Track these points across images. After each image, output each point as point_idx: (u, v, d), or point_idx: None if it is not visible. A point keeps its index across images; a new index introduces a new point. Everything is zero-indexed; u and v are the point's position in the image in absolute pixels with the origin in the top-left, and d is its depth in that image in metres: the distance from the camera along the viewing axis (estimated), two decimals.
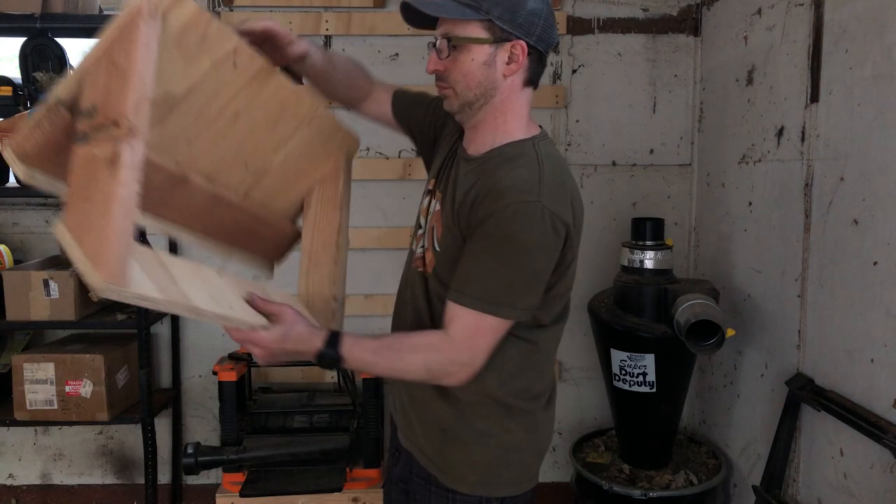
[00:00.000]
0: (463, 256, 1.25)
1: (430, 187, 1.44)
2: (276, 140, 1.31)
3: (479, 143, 1.34)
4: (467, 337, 1.23)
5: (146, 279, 1.00)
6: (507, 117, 1.31)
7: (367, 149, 2.79)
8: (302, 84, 1.41)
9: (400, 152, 2.78)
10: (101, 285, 0.91)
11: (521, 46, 1.25)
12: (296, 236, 1.49)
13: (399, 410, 1.47)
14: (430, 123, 1.53)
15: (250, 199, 1.35)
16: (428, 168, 1.55)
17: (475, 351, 1.23)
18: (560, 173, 1.28)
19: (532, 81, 1.31)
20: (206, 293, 1.12)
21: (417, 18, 1.31)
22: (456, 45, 1.25)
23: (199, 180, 1.22)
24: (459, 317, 1.23)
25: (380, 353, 1.26)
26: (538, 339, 1.34)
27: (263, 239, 1.47)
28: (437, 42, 1.28)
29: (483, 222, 1.21)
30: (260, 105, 1.23)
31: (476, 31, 1.24)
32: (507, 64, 1.26)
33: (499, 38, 1.24)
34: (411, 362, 1.25)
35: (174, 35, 1.06)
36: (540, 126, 1.37)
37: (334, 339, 1.23)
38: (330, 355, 1.23)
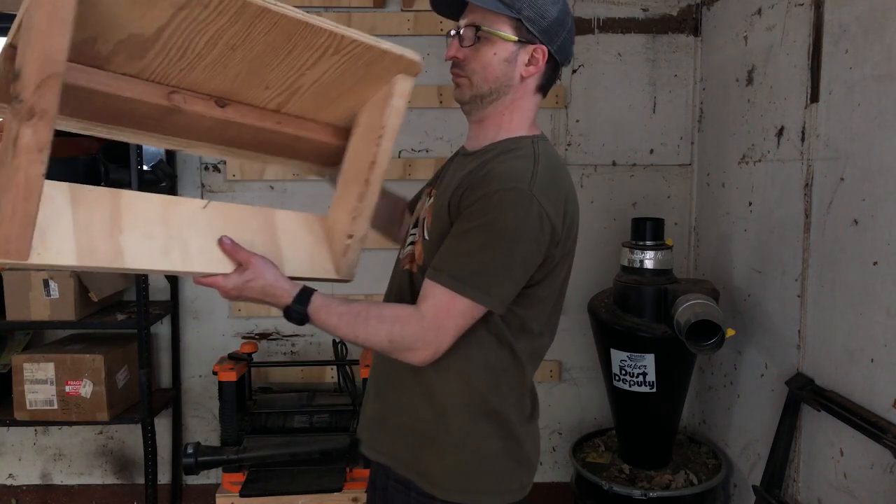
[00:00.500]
0: (447, 237, 1.24)
1: (428, 192, 1.44)
2: (295, 65, 1.27)
3: (481, 138, 1.35)
4: (436, 316, 1.21)
5: (63, 245, 1.04)
6: (513, 117, 1.33)
7: None
8: None
9: (400, 152, 2.78)
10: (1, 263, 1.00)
11: (542, 51, 1.28)
12: (343, 150, 1.44)
13: (367, 426, 1.42)
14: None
15: (286, 113, 1.36)
16: None
17: (441, 331, 1.21)
18: (556, 171, 1.28)
19: (543, 88, 1.34)
20: (157, 244, 1.15)
21: (443, 6, 1.34)
22: (482, 36, 1.27)
23: (198, 105, 1.24)
24: (432, 295, 1.21)
25: (346, 318, 1.24)
26: (522, 349, 1.31)
27: (300, 150, 1.45)
28: (463, 30, 1.29)
29: (471, 205, 1.21)
30: (256, 39, 1.18)
31: (504, 27, 1.26)
32: (527, 65, 1.28)
33: (524, 39, 1.27)
34: (376, 332, 1.23)
35: None
36: (541, 132, 1.38)
37: (304, 296, 1.24)
38: (297, 311, 1.24)
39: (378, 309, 1.27)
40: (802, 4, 2.02)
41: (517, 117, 1.33)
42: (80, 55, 1.08)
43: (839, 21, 1.85)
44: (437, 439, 1.30)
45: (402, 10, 2.74)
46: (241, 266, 1.22)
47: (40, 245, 1.02)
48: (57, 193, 1.08)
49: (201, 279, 1.21)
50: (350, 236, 1.37)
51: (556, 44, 1.28)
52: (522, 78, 1.29)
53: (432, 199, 1.36)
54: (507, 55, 1.27)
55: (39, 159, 0.97)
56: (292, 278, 1.28)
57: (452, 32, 1.33)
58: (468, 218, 1.21)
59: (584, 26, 2.79)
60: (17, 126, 0.94)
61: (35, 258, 1.01)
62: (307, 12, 1.19)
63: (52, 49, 0.93)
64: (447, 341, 1.22)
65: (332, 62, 1.29)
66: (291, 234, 1.36)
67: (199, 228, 1.21)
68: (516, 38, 1.26)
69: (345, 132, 1.43)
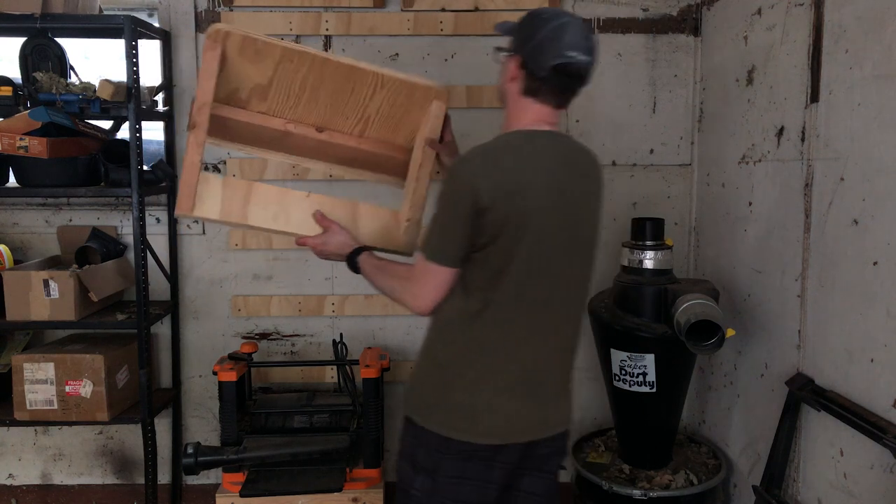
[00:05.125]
0: None
1: None
2: (360, 99, 1.82)
3: None
4: (418, 276, 1.56)
5: (213, 206, 1.73)
6: (507, 118, 1.61)
7: None
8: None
9: None
10: (176, 214, 1.75)
11: (515, 60, 1.55)
12: None
13: None
14: None
15: (367, 137, 1.93)
16: None
17: (422, 288, 1.55)
18: (501, 151, 1.51)
19: (533, 91, 1.54)
20: (270, 213, 1.79)
21: None
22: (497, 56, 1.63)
23: (303, 130, 1.87)
24: (418, 259, 1.57)
25: (375, 270, 1.69)
26: (469, 307, 1.53)
27: (386, 166, 1.99)
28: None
29: None
30: (328, 80, 1.76)
31: (504, 44, 1.60)
32: (508, 75, 1.57)
33: (507, 52, 1.57)
34: (386, 283, 1.66)
35: (235, 52, 1.68)
36: (549, 130, 1.58)
37: (357, 252, 1.74)
38: (352, 261, 1.74)
39: (392, 267, 1.66)
40: (802, 4, 2.02)
41: (510, 118, 1.60)
42: (231, 100, 1.79)
43: (839, 21, 1.85)
44: (419, 367, 1.66)
45: (402, 10, 2.74)
46: (325, 230, 1.78)
47: (198, 205, 1.71)
48: (214, 179, 1.76)
49: (298, 240, 1.79)
50: (407, 220, 1.86)
51: (526, 53, 1.51)
52: (506, 84, 1.58)
53: None
54: (501, 69, 1.60)
55: (197, 151, 1.67)
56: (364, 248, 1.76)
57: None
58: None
59: None
60: (188, 133, 1.68)
61: (195, 212, 1.71)
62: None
63: (205, 89, 1.67)
64: (427, 296, 1.55)
65: (383, 95, 1.81)
66: (367, 217, 1.88)
67: (300, 207, 1.82)
68: (504, 53, 1.58)
69: (411, 150, 1.92)
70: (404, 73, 1.79)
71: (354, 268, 1.73)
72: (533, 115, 1.55)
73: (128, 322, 2.55)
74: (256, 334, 2.90)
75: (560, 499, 1.77)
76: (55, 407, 2.51)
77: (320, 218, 1.79)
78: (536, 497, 1.67)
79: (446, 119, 1.87)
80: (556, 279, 1.55)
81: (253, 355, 2.63)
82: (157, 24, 2.73)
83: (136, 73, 2.42)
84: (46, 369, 2.49)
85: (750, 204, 2.35)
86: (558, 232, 1.52)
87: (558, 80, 1.51)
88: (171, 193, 2.78)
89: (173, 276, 2.82)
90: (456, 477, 1.55)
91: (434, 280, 1.53)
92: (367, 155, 1.94)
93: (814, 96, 1.97)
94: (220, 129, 1.81)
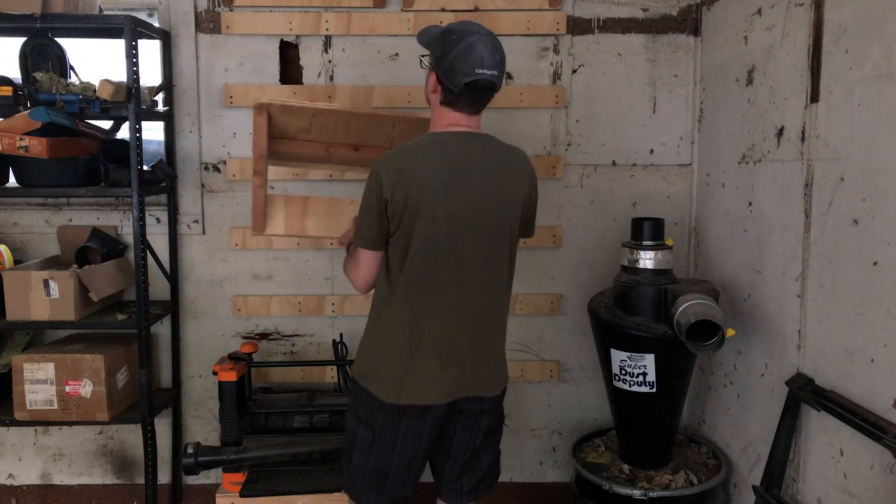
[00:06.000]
0: None
1: None
2: (384, 129, 2.24)
3: None
4: (354, 259, 1.88)
5: (279, 224, 2.25)
6: (432, 122, 1.87)
7: None
8: None
9: None
10: (253, 233, 2.28)
11: (434, 76, 1.80)
12: None
13: None
14: None
15: None
16: None
17: (356, 270, 1.87)
18: (408, 150, 1.77)
19: (447, 103, 1.79)
20: (323, 223, 2.30)
21: None
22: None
23: (343, 150, 2.30)
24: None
25: (347, 256, 1.99)
26: (391, 283, 1.82)
27: None
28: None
29: None
30: (354, 123, 2.20)
31: (427, 59, 1.86)
32: (428, 85, 1.84)
33: (429, 68, 1.83)
34: (345, 266, 1.98)
35: (279, 114, 2.11)
36: (465, 130, 1.81)
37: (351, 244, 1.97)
38: (347, 248, 2.03)
39: (351, 252, 1.92)
40: (802, 4, 2.02)
41: (432, 121, 1.86)
42: (283, 134, 2.21)
43: (839, 21, 1.85)
44: (359, 345, 1.94)
45: (402, 10, 2.74)
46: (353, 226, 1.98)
47: (268, 225, 2.24)
48: (277, 199, 2.29)
49: (340, 241, 2.15)
50: None
51: (441, 71, 1.75)
52: (429, 94, 1.85)
53: None
54: (426, 76, 1.85)
55: (261, 190, 2.17)
56: None
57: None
58: None
59: (584, 26, 2.79)
60: (252, 176, 2.17)
61: (266, 231, 2.24)
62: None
63: (259, 144, 2.11)
64: (359, 276, 1.87)
65: (402, 125, 2.22)
66: None
67: (346, 214, 2.27)
68: (427, 67, 1.84)
69: None
70: (414, 112, 2.29)
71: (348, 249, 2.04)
72: (449, 119, 1.81)
73: (128, 322, 2.55)
74: (256, 334, 2.90)
75: (496, 461, 2.04)
76: (55, 407, 2.51)
77: (356, 220, 1.96)
78: (464, 447, 1.93)
79: None
80: (459, 261, 1.77)
81: (253, 355, 2.63)
82: (157, 24, 2.73)
83: (136, 73, 2.42)
84: (46, 369, 2.49)
85: (750, 204, 2.35)
86: (454, 219, 1.75)
87: (470, 94, 1.76)
88: (171, 193, 2.78)
89: (173, 276, 2.82)
90: (390, 429, 1.83)
91: (363, 262, 1.84)
92: None
93: (814, 96, 1.97)
94: (278, 155, 2.26)
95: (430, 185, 1.72)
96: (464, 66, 1.71)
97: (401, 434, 1.83)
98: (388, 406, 1.81)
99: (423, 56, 1.87)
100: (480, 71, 1.71)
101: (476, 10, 2.75)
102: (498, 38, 1.80)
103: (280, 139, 2.22)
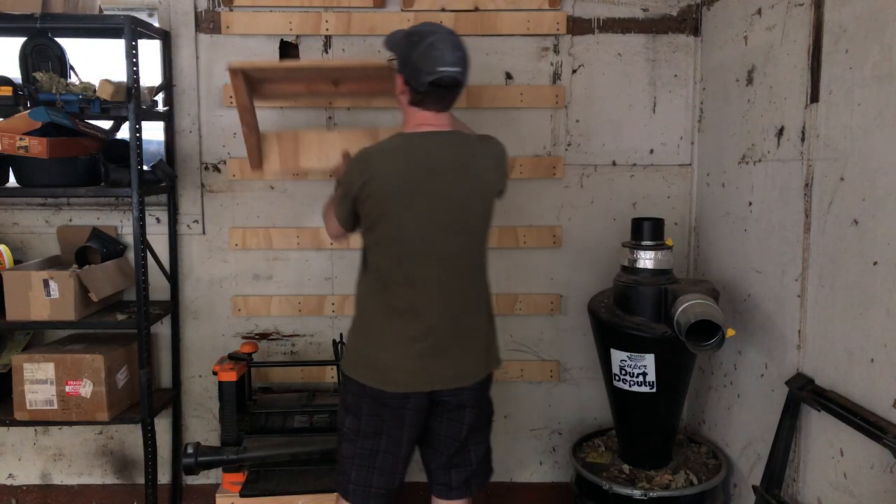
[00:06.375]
0: None
1: None
2: (355, 75, 2.43)
3: None
4: (327, 214, 2.06)
5: (274, 160, 2.44)
6: (403, 123, 1.93)
7: None
8: None
9: None
10: (256, 176, 2.73)
11: (401, 78, 1.86)
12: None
13: None
14: None
15: (370, 83, 2.47)
16: None
17: (329, 222, 2.04)
18: (379, 149, 1.85)
19: (415, 103, 1.85)
20: (315, 155, 2.44)
21: None
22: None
23: (323, 85, 2.45)
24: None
25: (329, 199, 2.10)
26: (369, 266, 1.92)
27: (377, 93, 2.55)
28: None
29: None
30: (325, 70, 2.47)
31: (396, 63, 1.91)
32: (397, 87, 1.89)
33: (397, 70, 1.87)
34: (324, 208, 2.13)
35: (255, 72, 2.31)
36: (434, 130, 1.86)
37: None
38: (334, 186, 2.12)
39: (329, 205, 2.05)
40: (802, 4, 2.02)
41: (403, 122, 1.92)
42: (264, 81, 2.38)
43: (839, 21, 1.85)
44: (346, 338, 2.04)
45: (402, 10, 2.74)
46: (343, 160, 2.11)
47: (264, 163, 2.44)
48: (270, 136, 2.44)
49: (332, 174, 2.26)
50: None
51: (406, 72, 1.82)
52: (399, 96, 1.89)
53: None
54: (395, 78, 1.89)
55: (253, 135, 2.36)
56: None
57: None
58: None
59: (584, 26, 2.79)
60: (241, 126, 2.37)
61: (263, 168, 2.44)
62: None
63: (241, 101, 2.27)
64: (330, 231, 2.06)
65: (368, 70, 2.36)
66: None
67: (334, 146, 2.41)
68: (396, 70, 1.87)
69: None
70: (376, 59, 2.45)
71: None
72: (418, 119, 1.87)
73: (128, 322, 2.55)
74: (256, 334, 2.90)
75: (487, 457, 2.07)
76: (55, 407, 2.51)
77: (345, 154, 2.12)
78: (449, 440, 1.98)
79: None
80: (434, 256, 1.85)
81: (253, 355, 2.63)
82: (157, 24, 2.73)
83: (136, 73, 2.42)
84: (46, 369, 2.49)
85: (750, 204, 2.35)
86: (427, 217, 1.82)
87: (437, 92, 1.82)
88: (171, 193, 2.78)
89: (173, 276, 2.82)
90: (375, 416, 1.90)
91: (333, 224, 2.00)
92: (372, 89, 2.47)
93: (814, 96, 1.97)
94: (262, 95, 2.41)
95: (399, 186, 1.80)
96: (427, 66, 1.78)
97: (385, 422, 1.90)
98: (371, 393, 1.88)
99: (391, 59, 1.93)
100: (443, 69, 1.78)
101: (476, 10, 2.75)
102: (459, 36, 1.86)
103: (262, 82, 2.39)
